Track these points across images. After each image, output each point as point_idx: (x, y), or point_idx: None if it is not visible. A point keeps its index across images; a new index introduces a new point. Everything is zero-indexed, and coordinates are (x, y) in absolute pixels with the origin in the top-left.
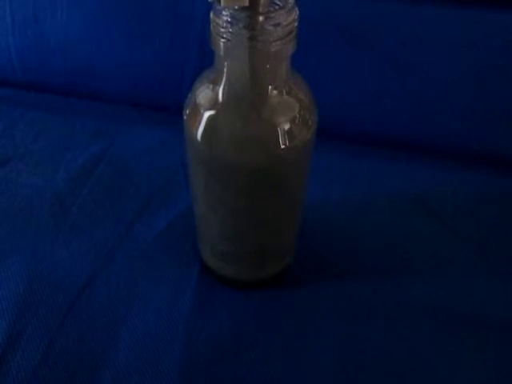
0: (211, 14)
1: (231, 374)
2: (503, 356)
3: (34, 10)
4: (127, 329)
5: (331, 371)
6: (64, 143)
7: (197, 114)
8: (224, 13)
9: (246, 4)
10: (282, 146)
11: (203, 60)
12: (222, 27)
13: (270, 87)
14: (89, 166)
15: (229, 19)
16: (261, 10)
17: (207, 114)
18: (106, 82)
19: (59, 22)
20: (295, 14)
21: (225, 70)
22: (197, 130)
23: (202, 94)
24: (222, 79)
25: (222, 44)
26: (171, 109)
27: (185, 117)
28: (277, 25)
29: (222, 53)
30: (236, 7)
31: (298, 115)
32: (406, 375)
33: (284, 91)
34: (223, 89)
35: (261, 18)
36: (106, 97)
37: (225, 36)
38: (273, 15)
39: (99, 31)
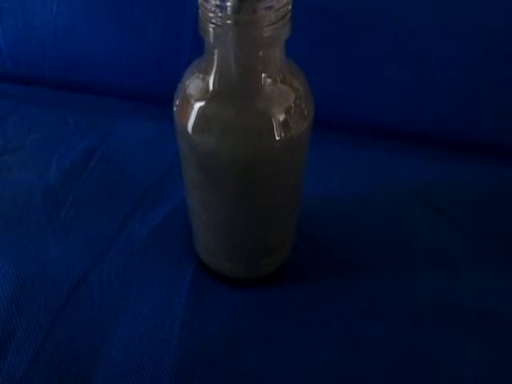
0: None
1: (228, 372)
2: (507, 350)
3: (23, 0)
4: (121, 328)
5: (331, 368)
6: (56, 137)
7: (187, 105)
8: None
9: None
10: (277, 138)
11: (198, 49)
12: (211, 12)
13: (263, 75)
14: (82, 160)
15: (217, 3)
16: None
17: (198, 104)
18: (99, 73)
19: (49, 13)
20: None
21: (215, 58)
22: (187, 122)
23: (193, 84)
24: (212, 68)
25: (211, 30)
26: (166, 100)
27: (175, 108)
28: (269, 8)
29: (211, 40)
30: None
31: (293, 105)
32: (409, 371)
33: (278, 80)
34: (214, 78)
35: (252, 1)
36: (99, 89)
37: (214, 21)
38: None
39: (91, 21)
